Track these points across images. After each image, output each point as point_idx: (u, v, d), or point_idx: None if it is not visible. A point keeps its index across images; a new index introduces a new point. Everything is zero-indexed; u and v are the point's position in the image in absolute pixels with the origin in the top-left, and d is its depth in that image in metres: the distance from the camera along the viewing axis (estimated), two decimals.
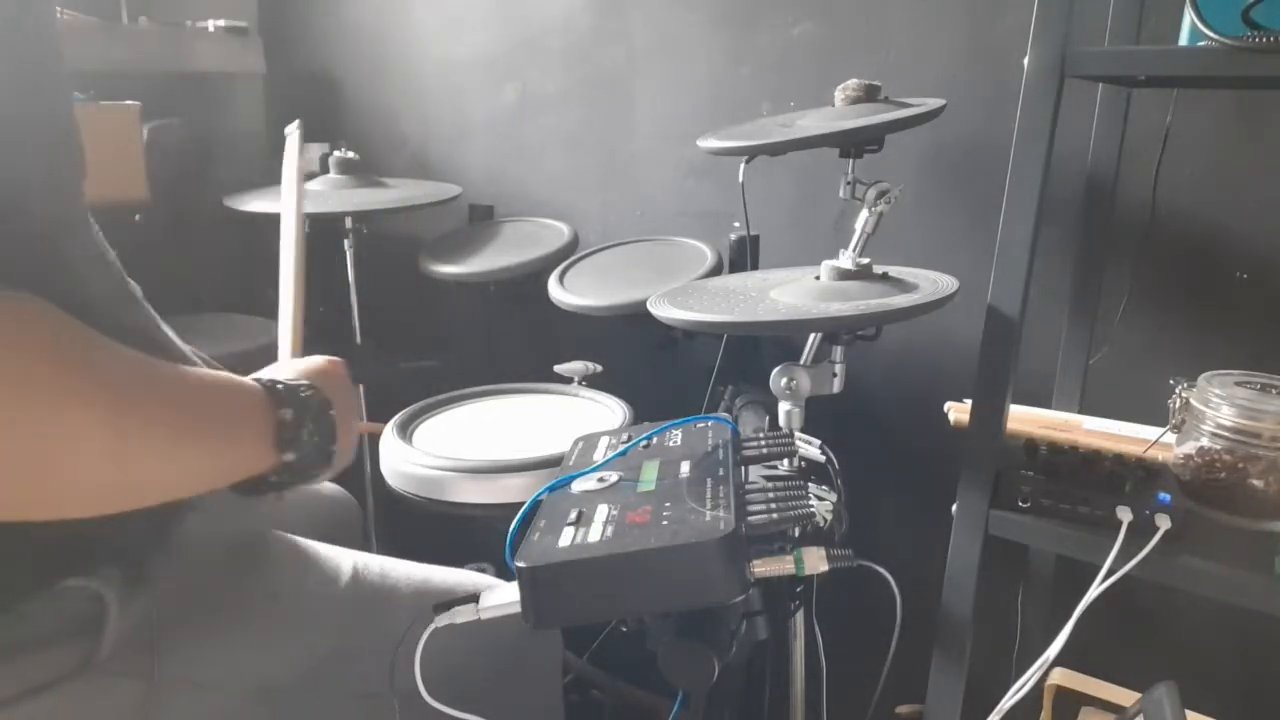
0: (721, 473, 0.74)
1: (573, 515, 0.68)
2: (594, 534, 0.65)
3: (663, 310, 1.01)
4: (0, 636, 0.58)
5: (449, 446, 1.16)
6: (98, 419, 0.49)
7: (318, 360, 0.72)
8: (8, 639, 0.58)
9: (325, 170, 1.67)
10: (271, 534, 0.79)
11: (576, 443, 0.90)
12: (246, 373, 0.64)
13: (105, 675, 0.62)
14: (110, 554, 0.63)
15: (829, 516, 0.94)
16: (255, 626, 0.70)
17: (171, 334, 0.69)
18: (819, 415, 1.05)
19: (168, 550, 0.70)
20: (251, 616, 0.71)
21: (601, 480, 0.76)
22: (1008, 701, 0.87)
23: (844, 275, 1.04)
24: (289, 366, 0.69)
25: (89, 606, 0.61)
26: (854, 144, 1.06)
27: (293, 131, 1.09)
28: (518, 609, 0.64)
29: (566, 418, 1.28)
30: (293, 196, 0.98)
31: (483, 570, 1.08)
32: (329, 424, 0.64)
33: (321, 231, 1.62)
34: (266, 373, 0.66)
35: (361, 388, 1.73)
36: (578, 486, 0.75)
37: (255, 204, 1.54)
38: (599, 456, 0.83)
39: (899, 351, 1.42)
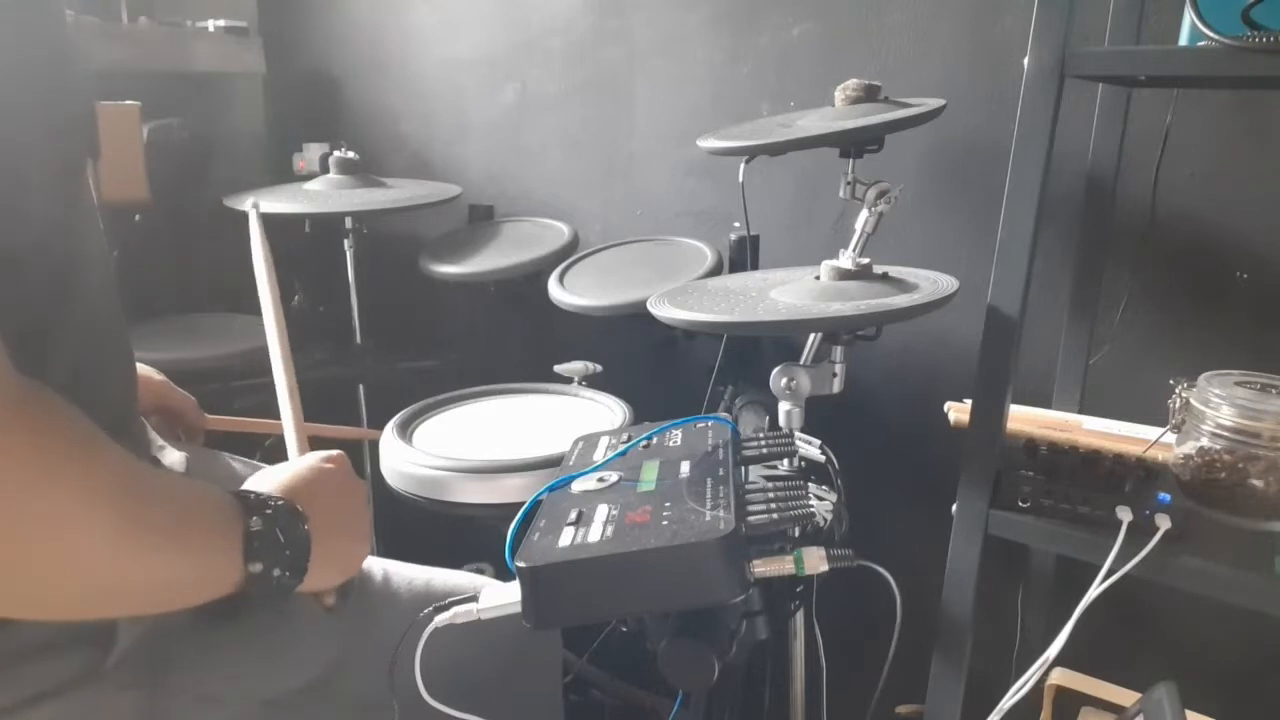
0: (721, 473, 0.74)
1: (573, 515, 0.68)
2: (594, 534, 0.65)
3: (663, 310, 1.01)
4: (6, 644, 0.58)
5: (449, 446, 1.16)
6: (99, 518, 0.48)
7: (311, 462, 0.68)
8: (13, 647, 0.58)
9: (325, 170, 1.67)
10: None
11: (576, 443, 0.90)
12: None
13: (110, 685, 0.62)
14: None
15: (829, 516, 0.94)
16: (260, 637, 0.70)
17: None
18: (819, 415, 1.05)
19: None
20: (256, 627, 0.70)
21: (601, 480, 0.76)
22: (1008, 701, 0.87)
23: (844, 275, 1.04)
24: (273, 476, 0.66)
25: (94, 622, 0.61)
26: (854, 144, 1.06)
27: (252, 210, 1.08)
28: (518, 609, 0.64)
29: (566, 418, 1.28)
30: (266, 280, 0.97)
31: (481, 570, 1.08)
32: (302, 537, 0.60)
33: (322, 231, 1.62)
34: (252, 481, 0.64)
35: (361, 387, 1.74)
36: (578, 486, 0.75)
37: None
38: (599, 456, 0.83)
39: (899, 351, 1.42)
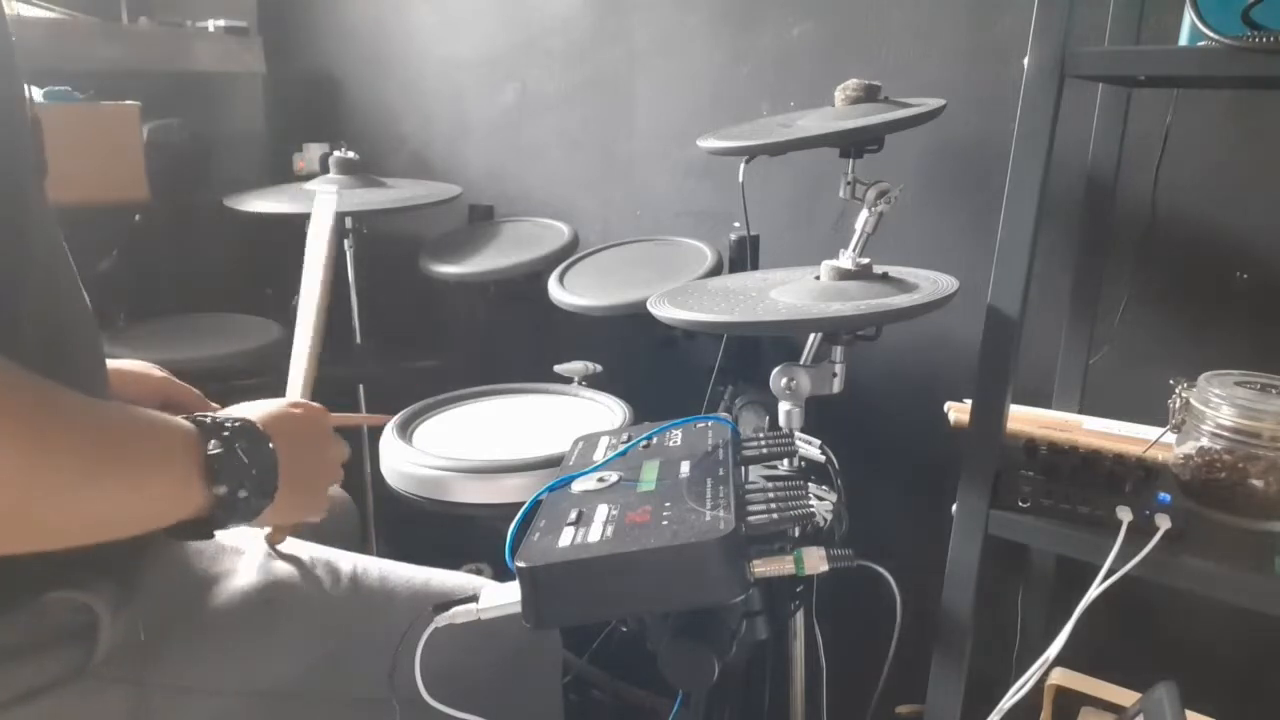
0: (721, 473, 0.74)
1: (573, 515, 0.68)
2: (594, 534, 0.65)
3: (663, 310, 1.01)
4: None
5: (449, 446, 1.16)
6: (33, 448, 0.48)
7: (281, 403, 0.69)
8: (1, 647, 0.58)
9: (325, 170, 1.67)
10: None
11: (576, 443, 0.90)
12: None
13: (99, 681, 0.62)
14: (96, 567, 0.63)
15: (829, 516, 0.94)
16: (250, 631, 0.70)
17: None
18: (819, 415, 1.05)
19: (165, 554, 0.69)
20: (246, 621, 0.70)
21: (601, 480, 0.76)
22: (1008, 701, 0.87)
23: (844, 275, 1.04)
24: (237, 408, 0.67)
25: (78, 616, 0.61)
26: (854, 144, 1.06)
27: (329, 199, 1.07)
28: (518, 609, 0.64)
29: (566, 418, 1.28)
30: (320, 257, 0.98)
31: (480, 571, 1.08)
32: (267, 456, 0.62)
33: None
34: (223, 413, 0.65)
35: (361, 387, 1.74)
36: (578, 486, 0.75)
37: (255, 204, 1.54)
38: (599, 456, 0.83)
39: (899, 351, 1.41)
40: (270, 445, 0.62)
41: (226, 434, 0.59)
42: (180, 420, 0.59)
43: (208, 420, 0.60)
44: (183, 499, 0.57)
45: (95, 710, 0.62)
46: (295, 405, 0.70)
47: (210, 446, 0.58)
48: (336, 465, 0.74)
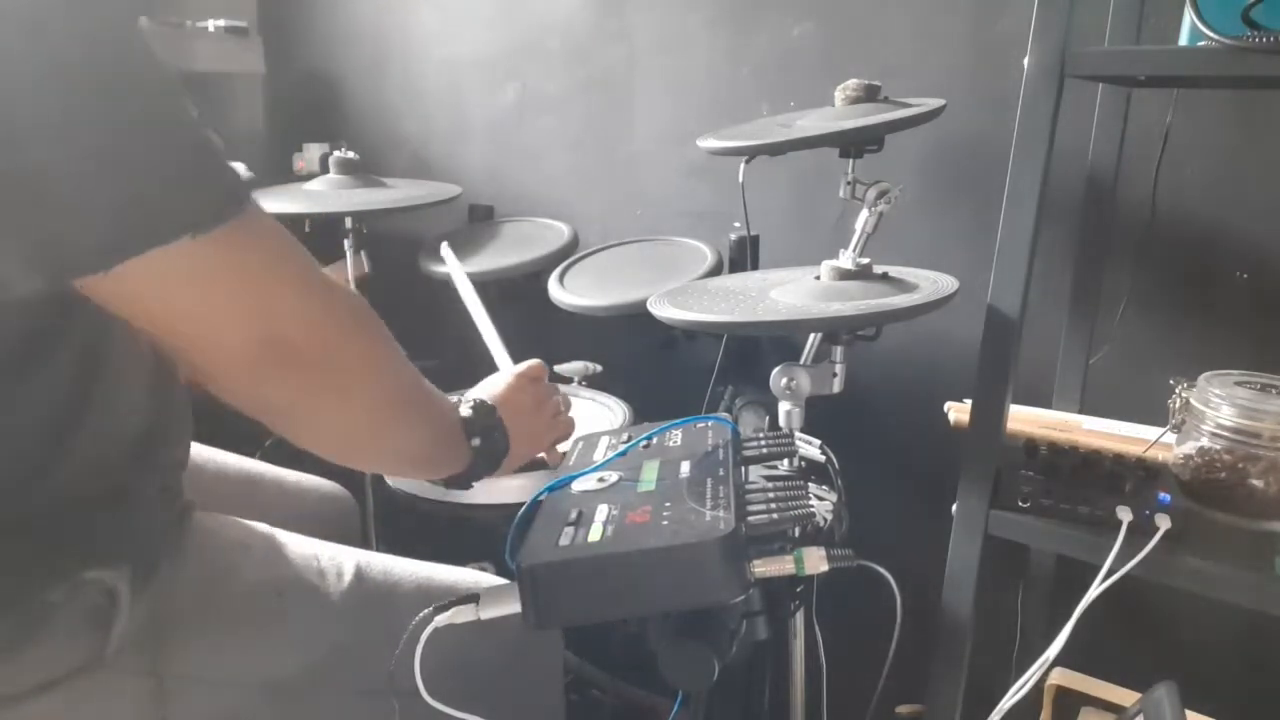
0: (721, 473, 0.74)
1: (573, 515, 0.68)
2: (594, 534, 0.65)
3: (663, 310, 1.01)
4: (10, 633, 0.58)
5: None
6: (392, 372, 0.70)
7: (503, 377, 0.92)
8: (17, 636, 0.58)
9: (325, 170, 1.67)
10: (276, 531, 0.80)
11: (576, 443, 0.90)
12: None
13: (113, 672, 0.62)
14: (124, 548, 0.64)
15: (829, 516, 0.94)
16: (260, 623, 0.70)
17: None
18: (819, 415, 1.05)
19: (178, 546, 0.70)
20: (256, 613, 0.71)
21: (601, 480, 0.76)
22: (1008, 701, 0.87)
23: (844, 275, 1.04)
24: (488, 383, 0.92)
25: (100, 600, 0.61)
26: (854, 144, 1.06)
27: (446, 252, 1.28)
28: (518, 609, 0.64)
29: None
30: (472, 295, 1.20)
31: (483, 570, 1.08)
32: (498, 422, 0.83)
33: (322, 231, 1.62)
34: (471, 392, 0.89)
35: None
36: (578, 486, 0.75)
37: None
38: (599, 456, 0.83)
39: (899, 351, 1.41)
40: (498, 414, 0.83)
41: (471, 404, 0.83)
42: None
43: (460, 400, 0.83)
44: (456, 445, 0.79)
45: (108, 700, 0.62)
46: (514, 376, 0.91)
47: (464, 410, 0.81)
48: (556, 412, 0.94)
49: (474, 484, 0.83)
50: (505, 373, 0.93)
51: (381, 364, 0.69)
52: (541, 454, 0.94)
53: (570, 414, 0.97)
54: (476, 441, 0.80)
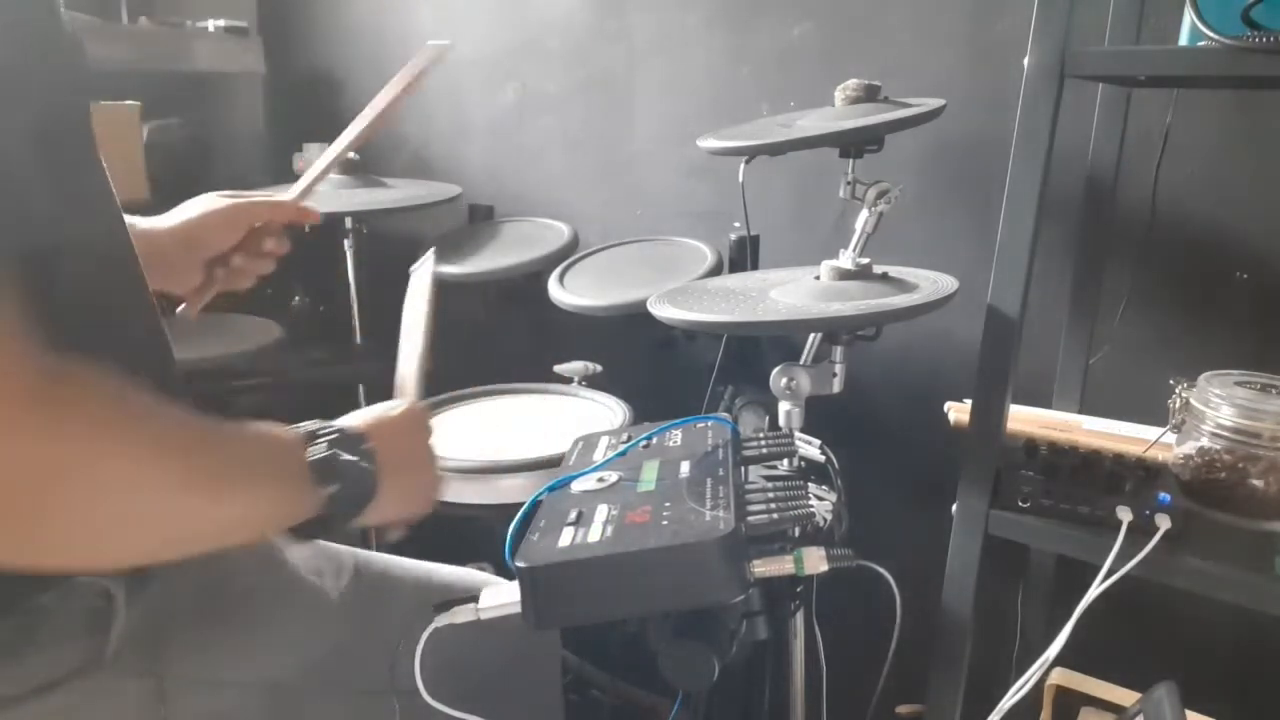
0: (721, 473, 0.74)
1: (573, 515, 0.68)
2: (594, 534, 0.65)
3: (663, 310, 1.01)
4: (10, 635, 0.58)
5: (448, 446, 1.16)
6: (163, 477, 0.51)
7: (378, 406, 0.73)
8: (15, 639, 0.58)
9: None
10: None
11: (576, 443, 0.90)
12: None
13: (112, 674, 0.62)
14: None
15: (829, 516, 0.94)
16: (259, 623, 0.70)
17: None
18: (819, 415, 1.05)
19: None
20: (255, 613, 0.71)
21: (601, 480, 0.76)
22: (1008, 701, 0.87)
23: (844, 275, 1.04)
24: (346, 417, 0.70)
25: (97, 602, 0.61)
26: (854, 144, 1.06)
27: (428, 260, 1.06)
28: (518, 609, 0.64)
29: (566, 418, 1.28)
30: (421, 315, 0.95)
31: (483, 569, 1.08)
32: (368, 455, 0.64)
33: (322, 231, 1.62)
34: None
35: (361, 387, 1.74)
36: (578, 486, 0.75)
37: None
38: (599, 456, 0.83)
39: (899, 351, 1.41)
40: (368, 445, 0.65)
41: (328, 437, 0.63)
42: (287, 431, 0.62)
43: (308, 430, 0.63)
44: (299, 501, 0.60)
45: (107, 702, 0.62)
46: (393, 407, 0.72)
47: (313, 452, 0.61)
48: (435, 468, 0.75)
49: (323, 535, 0.65)
50: (399, 403, 0.74)
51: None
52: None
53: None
54: (331, 489, 0.62)
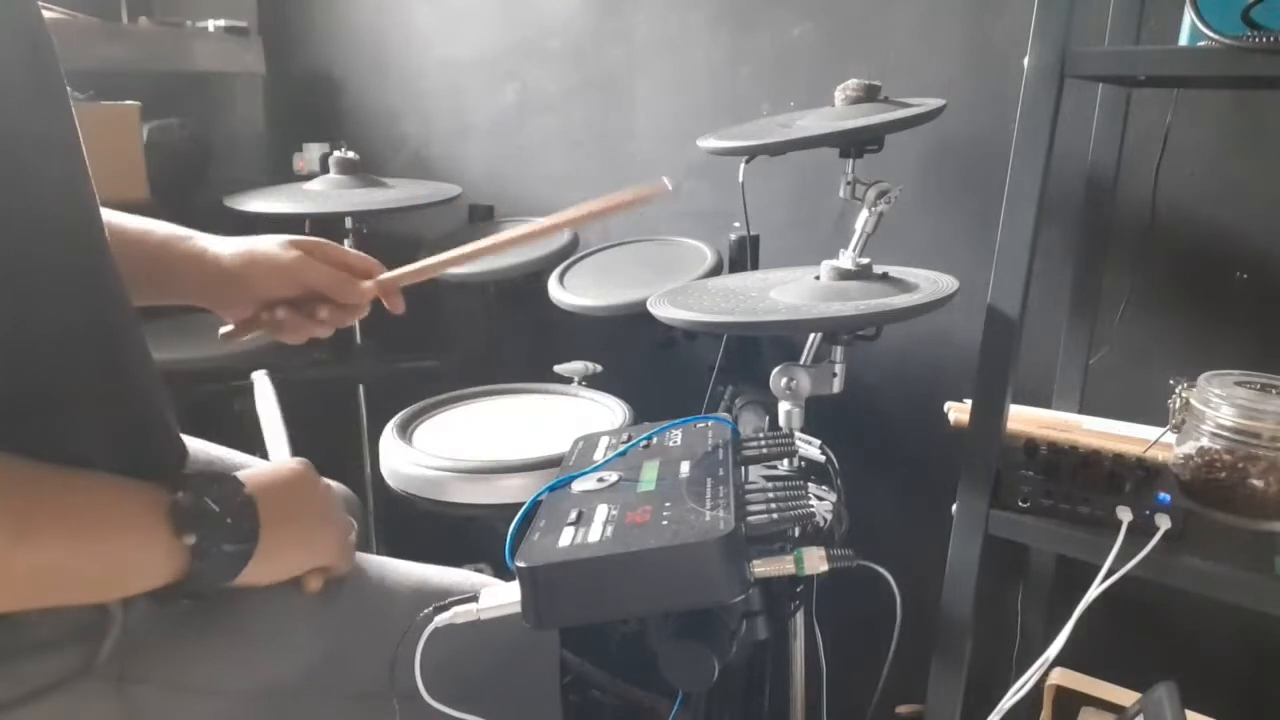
0: (721, 473, 0.74)
1: (573, 515, 0.68)
2: (594, 534, 0.65)
3: (663, 310, 1.01)
4: (1, 641, 0.58)
5: (449, 446, 1.16)
6: None
7: (267, 465, 0.70)
8: (8, 643, 0.58)
9: (325, 170, 1.67)
10: None
11: (576, 443, 0.90)
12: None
13: (104, 680, 0.62)
14: None
15: (829, 516, 0.94)
16: (255, 628, 0.70)
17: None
18: (819, 415, 1.05)
19: None
20: (248, 619, 0.70)
21: (601, 480, 0.76)
22: (1008, 701, 0.87)
23: (844, 275, 1.04)
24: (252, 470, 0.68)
25: (90, 613, 0.61)
26: (854, 144, 1.06)
27: (261, 379, 1.04)
28: (518, 609, 0.64)
29: (566, 418, 1.28)
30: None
31: (480, 570, 1.08)
32: (245, 501, 0.61)
33: (322, 231, 1.62)
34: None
35: (361, 387, 1.74)
36: (578, 486, 0.75)
37: (255, 204, 1.54)
38: (599, 456, 0.83)
39: (899, 351, 1.41)
40: (245, 491, 0.61)
41: (194, 484, 0.59)
42: (141, 482, 0.59)
43: (177, 476, 0.60)
44: (152, 556, 0.57)
45: (99, 709, 0.62)
46: (285, 466, 0.70)
47: (178, 499, 0.58)
48: (335, 512, 0.73)
49: (195, 594, 0.60)
50: (281, 463, 0.72)
51: None
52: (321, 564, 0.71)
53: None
54: (191, 539, 0.57)
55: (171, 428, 0.71)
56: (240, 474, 0.64)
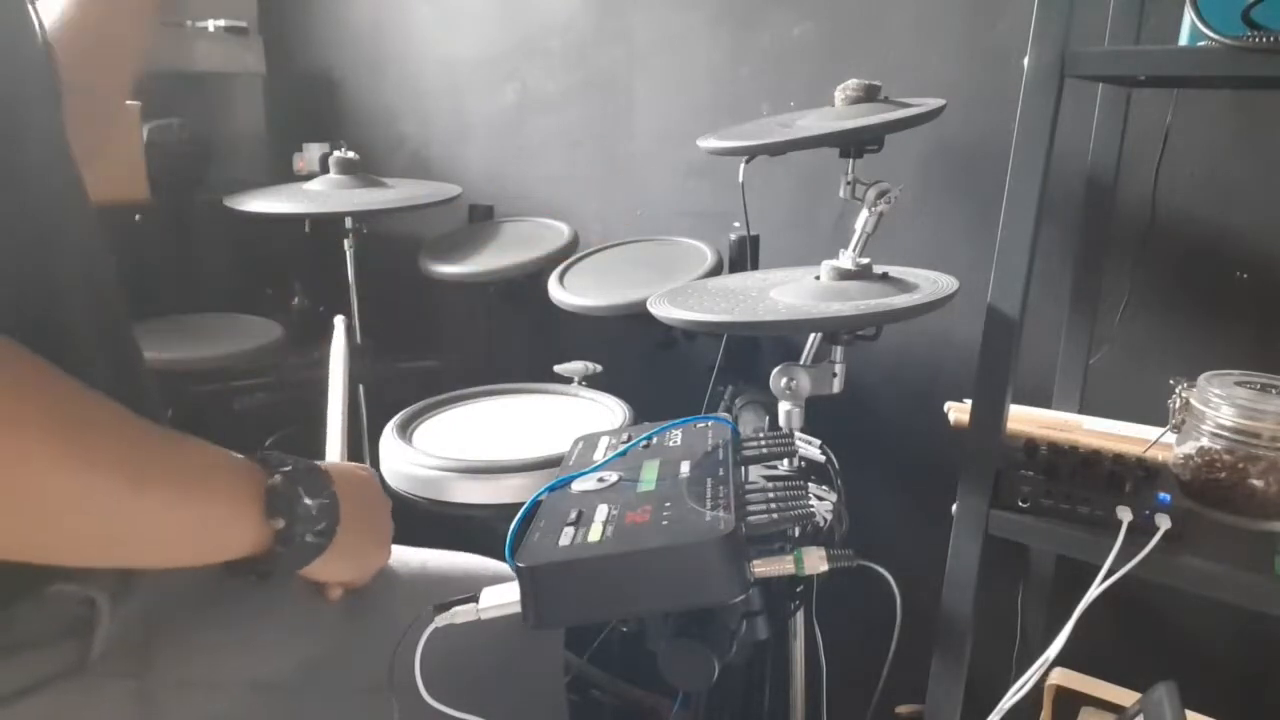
0: (721, 473, 0.74)
1: (573, 515, 0.68)
2: (594, 534, 0.65)
3: (663, 310, 1.01)
4: None
5: (449, 446, 1.16)
6: (105, 478, 0.50)
7: (348, 464, 0.72)
8: (1, 641, 0.58)
9: (325, 170, 1.67)
10: None
11: (576, 443, 0.90)
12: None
13: (99, 676, 0.62)
14: None
15: (829, 516, 0.94)
16: (249, 623, 0.70)
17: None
18: (819, 415, 1.05)
19: None
20: (246, 613, 0.70)
21: (601, 480, 0.76)
22: (1008, 701, 0.87)
23: (844, 275, 1.04)
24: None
25: (80, 609, 0.61)
26: (854, 144, 1.06)
27: (339, 326, 1.10)
28: (518, 609, 0.64)
29: (566, 418, 1.28)
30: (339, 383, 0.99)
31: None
32: (329, 498, 0.63)
33: (322, 231, 1.62)
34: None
35: (362, 387, 1.74)
36: (578, 486, 0.75)
37: (255, 204, 1.54)
38: (599, 456, 0.83)
39: (899, 351, 1.42)
40: (333, 488, 0.63)
41: (289, 471, 0.60)
42: (239, 456, 0.60)
43: (272, 456, 0.61)
44: (240, 530, 0.58)
45: (95, 705, 0.62)
46: (360, 468, 0.72)
47: (273, 480, 0.59)
48: (390, 533, 0.75)
49: (265, 574, 0.62)
50: (363, 466, 0.75)
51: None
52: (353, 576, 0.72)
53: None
54: (280, 524, 0.59)
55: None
56: (327, 468, 0.64)
